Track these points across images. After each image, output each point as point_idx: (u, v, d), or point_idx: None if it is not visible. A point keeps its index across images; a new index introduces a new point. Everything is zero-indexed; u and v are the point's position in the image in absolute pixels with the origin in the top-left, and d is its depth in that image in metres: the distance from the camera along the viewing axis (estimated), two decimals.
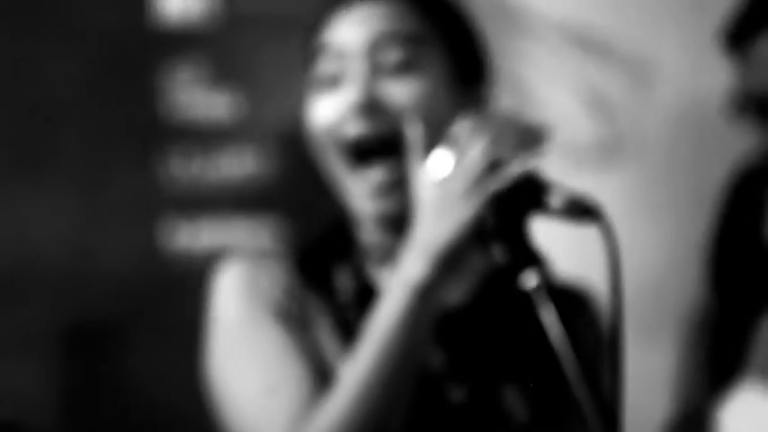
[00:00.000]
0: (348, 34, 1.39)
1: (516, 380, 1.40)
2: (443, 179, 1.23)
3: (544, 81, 2.84)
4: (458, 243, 1.21)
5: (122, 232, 2.61)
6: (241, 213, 2.68)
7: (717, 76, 2.77)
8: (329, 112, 1.39)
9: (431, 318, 1.26)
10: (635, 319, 2.73)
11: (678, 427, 2.43)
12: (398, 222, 1.39)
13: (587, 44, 2.84)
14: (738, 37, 2.26)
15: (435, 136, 1.31)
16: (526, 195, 1.20)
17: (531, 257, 1.18)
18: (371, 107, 1.36)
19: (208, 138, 2.67)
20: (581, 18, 2.84)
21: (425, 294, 1.24)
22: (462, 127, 1.25)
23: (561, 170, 2.72)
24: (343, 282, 1.43)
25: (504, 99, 2.82)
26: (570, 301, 1.49)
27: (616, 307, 1.12)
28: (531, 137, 1.24)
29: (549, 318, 1.15)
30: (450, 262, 1.23)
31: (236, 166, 2.68)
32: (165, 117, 2.66)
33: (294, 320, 1.39)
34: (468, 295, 1.43)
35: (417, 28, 1.40)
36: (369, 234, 1.45)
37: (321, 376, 1.35)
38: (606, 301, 1.54)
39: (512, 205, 1.21)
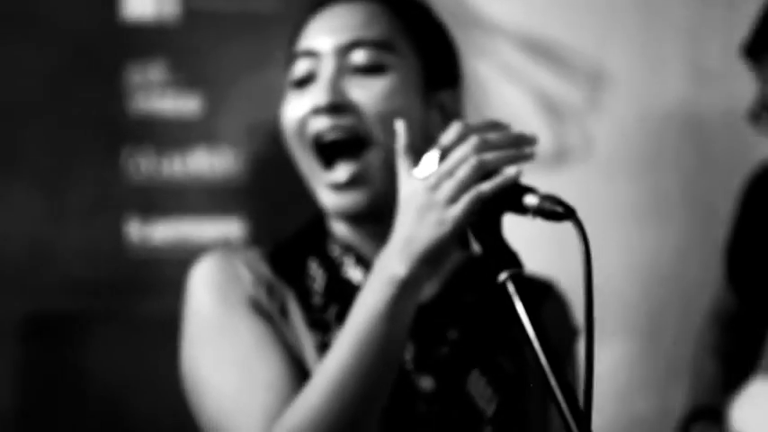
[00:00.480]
0: (319, 37, 1.43)
1: (483, 369, 1.43)
2: (430, 182, 1.23)
3: (502, 82, 2.89)
4: (440, 244, 1.22)
5: (87, 229, 2.64)
6: (207, 211, 2.71)
7: (669, 84, 2.86)
8: (297, 110, 1.42)
9: (409, 314, 1.26)
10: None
11: (692, 423, 2.49)
12: (362, 218, 1.44)
13: (540, 50, 2.91)
14: (756, 50, 2.36)
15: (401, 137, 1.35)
16: (504, 195, 1.22)
17: (506, 252, 1.20)
18: (336, 106, 1.39)
19: (174, 136, 2.70)
20: (535, 25, 2.90)
21: (405, 292, 1.24)
22: (450, 132, 1.26)
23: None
24: (316, 274, 1.46)
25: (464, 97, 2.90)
26: (537, 292, 1.54)
27: (588, 298, 1.14)
28: (516, 143, 1.25)
29: (518, 308, 1.16)
30: (431, 261, 1.23)
31: (203, 164, 2.72)
32: (131, 115, 2.69)
33: (269, 314, 1.40)
34: (440, 287, 1.48)
35: (387, 33, 1.44)
36: (339, 228, 1.49)
37: (297, 369, 1.36)
38: (569, 295, 1.61)
39: (491, 204, 1.22)
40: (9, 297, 2.57)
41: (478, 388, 1.43)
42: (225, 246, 1.51)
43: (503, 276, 1.18)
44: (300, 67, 1.43)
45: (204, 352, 1.39)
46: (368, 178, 1.41)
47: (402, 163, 1.28)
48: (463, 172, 1.22)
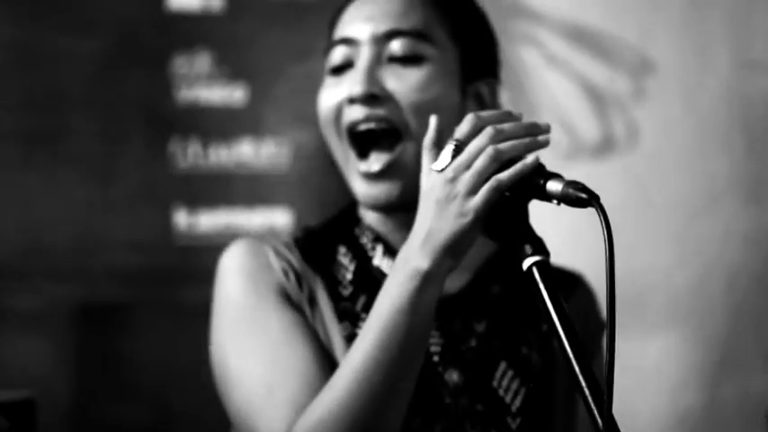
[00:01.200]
0: (356, 25, 1.42)
1: (510, 361, 1.43)
2: (448, 175, 1.23)
3: (546, 71, 2.89)
4: (461, 236, 1.21)
5: (134, 218, 2.67)
6: (253, 200, 2.73)
7: (714, 72, 2.84)
8: (333, 98, 1.42)
9: (433, 307, 1.25)
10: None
11: None
12: (393, 208, 1.44)
13: (585, 39, 2.90)
14: None
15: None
16: (528, 182, 1.22)
17: (532, 239, 1.21)
18: (371, 96, 1.39)
19: (220, 126, 2.72)
20: (579, 14, 2.89)
21: (428, 285, 1.23)
22: (468, 122, 1.25)
23: (560, 155, 2.83)
24: (345, 263, 1.46)
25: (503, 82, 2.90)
26: (565, 284, 1.53)
27: (611, 286, 1.11)
28: (530, 132, 1.24)
29: (543, 294, 1.17)
30: (453, 254, 1.23)
31: (248, 153, 2.74)
32: (178, 106, 2.72)
33: (298, 303, 1.40)
34: (468, 279, 1.48)
35: (424, 23, 1.43)
36: (369, 217, 1.49)
37: (326, 359, 1.36)
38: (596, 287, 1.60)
39: (515, 192, 1.22)
40: (60, 286, 2.61)
41: (505, 380, 1.42)
42: (254, 234, 1.49)
43: (528, 263, 1.18)
44: (337, 55, 1.43)
45: (233, 341, 1.39)
46: (401, 169, 1.40)
47: (425, 157, 1.27)
48: (480, 163, 1.21)
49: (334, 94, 1.42)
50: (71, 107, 2.65)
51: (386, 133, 1.41)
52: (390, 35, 1.42)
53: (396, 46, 1.42)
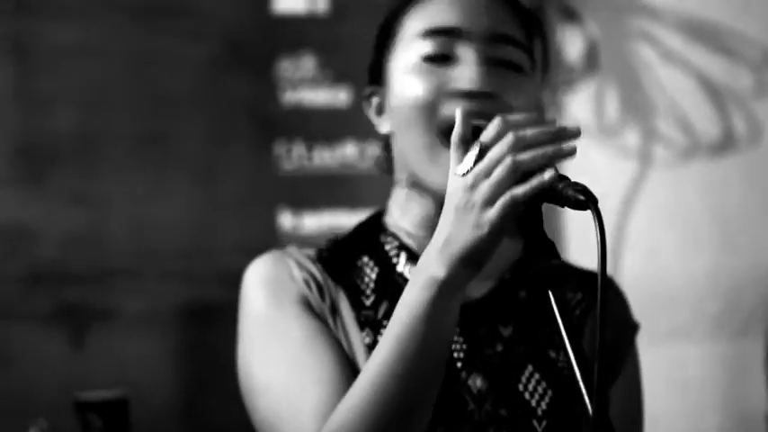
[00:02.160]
0: (465, 15, 1.38)
1: (537, 364, 1.40)
2: (468, 182, 1.19)
3: (663, 67, 2.81)
4: (478, 247, 1.17)
5: (240, 220, 2.71)
6: (357, 202, 2.74)
7: None
8: (430, 87, 1.38)
9: (454, 316, 1.23)
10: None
11: None
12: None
13: (703, 34, 2.81)
14: None
15: None
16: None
17: (543, 243, 1.18)
18: (489, 94, 1.36)
19: (324, 128, 2.74)
20: (696, 8, 2.81)
21: (447, 294, 1.20)
22: (494, 126, 1.21)
23: (677, 154, 2.74)
24: (368, 271, 1.44)
25: (615, 75, 2.84)
26: (595, 286, 1.49)
27: (602, 288, 1.08)
28: (556, 138, 1.19)
29: (566, 304, 1.15)
30: (472, 264, 1.19)
31: (353, 155, 2.75)
32: (283, 108, 2.75)
33: (320, 313, 1.39)
34: (495, 283, 1.45)
35: (525, 39, 1.42)
36: (398, 224, 1.46)
37: (348, 367, 1.35)
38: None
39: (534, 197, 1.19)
40: (167, 287, 2.66)
41: (531, 384, 1.39)
42: (279, 248, 1.48)
43: (536, 269, 1.18)
44: (438, 43, 1.39)
45: (256, 351, 1.39)
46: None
47: (452, 157, 1.23)
48: (498, 173, 1.17)
49: (432, 83, 1.38)
50: (179, 111, 2.70)
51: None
52: (505, 39, 1.39)
53: (507, 51, 1.39)
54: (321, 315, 1.40)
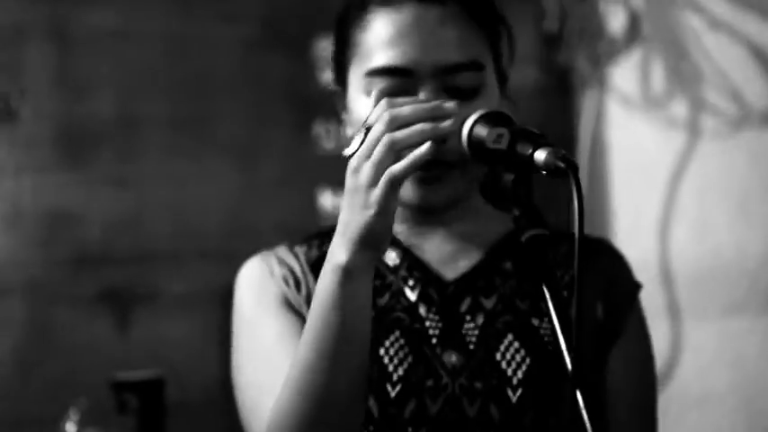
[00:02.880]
0: (414, 55, 1.35)
1: (517, 333, 1.39)
2: (353, 165, 1.22)
3: (711, 35, 2.75)
4: (371, 229, 1.19)
5: (281, 201, 2.72)
6: None
7: None
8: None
9: (363, 301, 1.24)
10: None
11: None
12: (425, 213, 1.42)
13: (754, 1, 2.73)
14: None
15: None
16: (516, 153, 1.21)
17: (532, 213, 1.20)
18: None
19: None
20: None
21: (349, 278, 1.21)
22: (377, 108, 1.22)
23: (726, 124, 2.67)
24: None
25: (660, 45, 2.77)
26: (590, 248, 1.47)
27: (579, 258, 1.09)
28: (432, 116, 1.21)
29: (540, 272, 1.16)
30: (370, 246, 1.20)
31: None
32: (321, 88, 2.75)
33: (297, 306, 1.43)
34: (481, 258, 1.44)
35: (477, 49, 1.38)
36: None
37: None
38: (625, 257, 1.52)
39: (508, 165, 1.22)
40: (209, 269, 2.69)
41: (509, 353, 1.38)
42: (267, 249, 1.51)
43: (526, 236, 1.19)
44: (389, 83, 1.37)
45: (238, 350, 1.45)
46: (451, 198, 1.38)
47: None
48: (378, 153, 1.18)
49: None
50: (217, 92, 2.72)
51: (448, 165, 1.37)
52: (455, 69, 1.37)
53: (459, 80, 1.37)
54: (299, 309, 1.42)
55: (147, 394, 2.22)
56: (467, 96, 1.37)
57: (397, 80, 1.37)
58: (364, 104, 1.38)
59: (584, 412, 1.07)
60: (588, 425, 1.06)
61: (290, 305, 1.43)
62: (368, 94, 1.37)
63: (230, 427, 2.71)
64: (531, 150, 1.19)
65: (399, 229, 1.47)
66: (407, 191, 1.38)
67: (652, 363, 1.48)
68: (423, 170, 1.31)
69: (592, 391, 1.33)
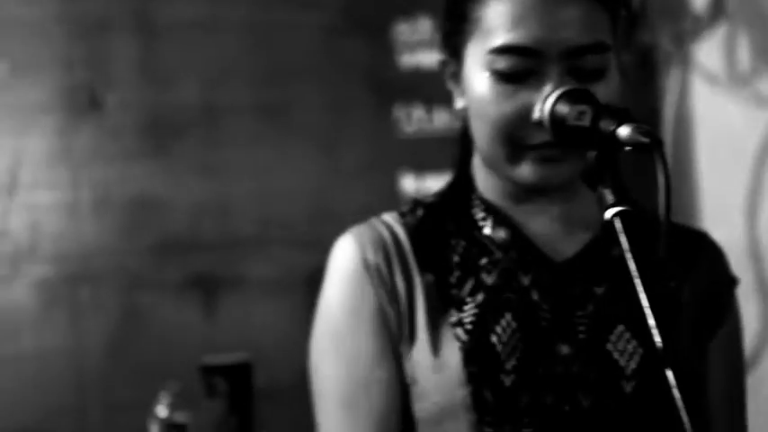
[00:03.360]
0: (542, 36, 1.31)
1: (629, 323, 1.36)
2: None
3: None
4: None
5: (362, 185, 2.73)
6: (428, 170, 2.73)
7: None
8: (506, 108, 1.32)
9: None
10: None
11: None
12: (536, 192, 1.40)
13: None
14: None
15: None
16: (600, 129, 1.20)
17: (617, 191, 1.18)
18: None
19: (443, 90, 2.71)
20: None
21: None
22: None
23: None
24: (452, 243, 1.40)
25: (745, 21, 2.72)
26: (689, 242, 1.44)
27: (665, 232, 1.10)
28: None
29: (624, 245, 1.15)
30: None
31: (423, 122, 2.74)
32: (401, 71, 2.75)
33: (390, 315, 1.38)
34: (586, 243, 1.41)
35: (602, 30, 1.36)
36: (486, 185, 1.44)
37: (398, 399, 1.37)
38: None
39: (598, 144, 1.21)
40: (293, 254, 2.71)
41: (620, 343, 1.35)
42: (363, 225, 1.46)
43: (610, 213, 1.17)
44: (514, 62, 1.35)
45: (324, 357, 1.41)
46: (566, 179, 1.36)
47: None
48: None
49: (509, 104, 1.33)
50: (298, 79, 2.74)
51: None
52: (582, 51, 1.34)
53: (585, 62, 1.34)
54: (391, 319, 1.39)
55: (235, 378, 2.25)
56: (591, 78, 1.33)
57: (522, 60, 1.33)
58: (484, 81, 1.35)
59: (676, 393, 1.06)
60: (683, 411, 1.05)
61: (384, 318, 1.38)
62: (490, 71, 1.34)
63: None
64: (614, 126, 1.18)
65: (505, 204, 1.43)
66: (526, 169, 1.35)
67: (743, 356, 1.46)
68: (545, 149, 1.31)
69: (691, 378, 1.32)
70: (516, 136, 1.32)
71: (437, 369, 1.34)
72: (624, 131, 1.17)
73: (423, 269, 1.40)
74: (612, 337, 1.35)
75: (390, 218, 1.46)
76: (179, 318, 2.66)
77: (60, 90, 2.66)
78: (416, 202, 1.47)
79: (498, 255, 1.38)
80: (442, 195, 1.46)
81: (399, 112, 2.75)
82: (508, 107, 1.32)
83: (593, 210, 1.32)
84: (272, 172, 2.72)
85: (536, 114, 1.29)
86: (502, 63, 1.32)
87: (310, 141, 2.74)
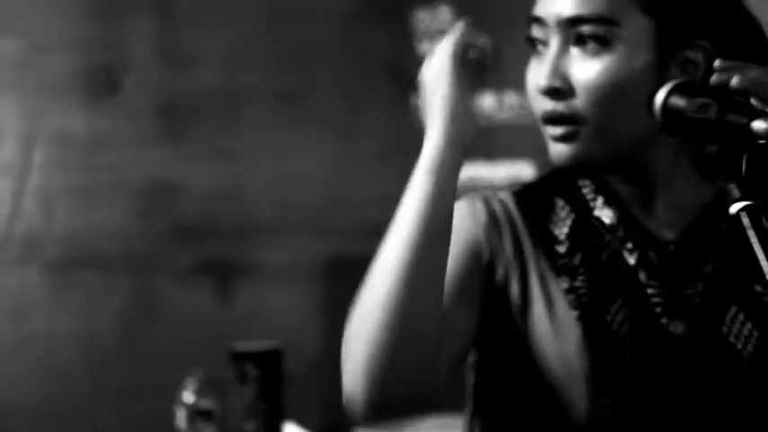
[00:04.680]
0: (546, 6, 1.37)
1: (741, 303, 1.35)
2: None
3: None
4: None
5: (379, 173, 2.71)
6: (498, 154, 2.71)
7: None
8: (531, 78, 1.37)
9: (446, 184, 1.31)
10: None
11: None
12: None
13: None
14: None
15: (626, 113, 1.31)
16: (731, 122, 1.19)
17: (742, 185, 1.17)
18: (555, 90, 1.34)
19: None
20: None
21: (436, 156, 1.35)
22: None
23: None
24: (562, 216, 1.42)
25: None
26: None
27: None
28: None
29: (752, 240, 1.13)
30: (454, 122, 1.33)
31: (493, 106, 2.72)
32: (419, 60, 2.73)
33: (489, 256, 1.38)
34: (690, 221, 1.41)
35: (610, 5, 1.37)
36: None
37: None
38: None
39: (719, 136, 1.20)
40: (310, 241, 2.69)
41: (735, 325, 1.34)
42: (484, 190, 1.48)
43: (736, 207, 1.16)
44: (534, 31, 1.39)
45: None
46: (585, 157, 1.36)
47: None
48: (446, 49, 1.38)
49: (533, 74, 1.38)
50: (316, 65, 2.72)
51: (568, 126, 1.36)
52: (575, 21, 1.36)
53: (580, 31, 1.36)
54: (488, 259, 1.38)
55: (266, 364, 2.24)
56: (594, 49, 1.35)
57: (537, 29, 1.37)
58: (528, 69, 1.40)
59: None
60: None
61: (477, 253, 1.38)
62: (527, 40, 1.39)
63: (331, 399, 2.72)
64: (746, 120, 1.16)
65: (611, 183, 1.43)
66: (549, 147, 1.36)
67: None
68: (550, 125, 1.32)
69: None
70: (537, 108, 1.35)
71: (555, 337, 1.33)
72: (761, 125, 1.15)
73: (533, 239, 1.40)
74: (727, 320, 1.34)
75: (501, 193, 1.47)
76: (192, 304, 2.63)
77: (78, 71, 2.63)
78: (526, 183, 1.49)
79: (607, 237, 1.38)
80: (552, 174, 1.47)
81: (417, 101, 2.74)
82: (533, 76, 1.36)
83: (694, 193, 1.33)
84: (289, 158, 2.70)
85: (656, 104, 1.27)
86: (528, 33, 1.36)
87: (328, 128, 2.73)
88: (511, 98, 2.69)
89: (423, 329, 1.24)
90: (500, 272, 1.39)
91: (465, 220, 1.39)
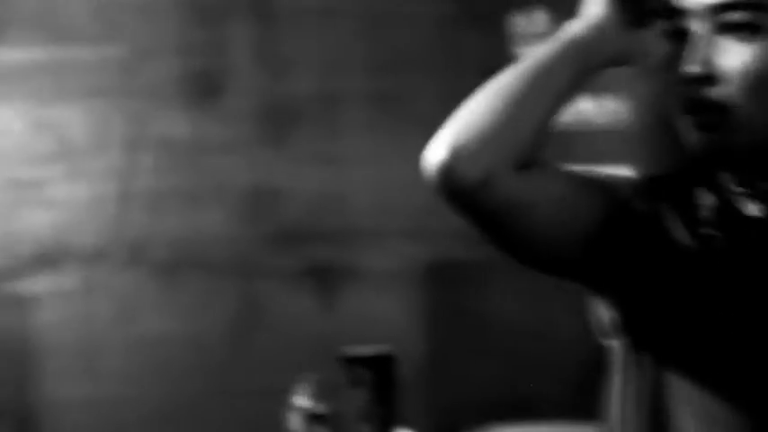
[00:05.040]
0: None
1: None
2: None
3: None
4: None
5: None
6: (597, 158, 2.71)
7: None
8: (673, 68, 1.33)
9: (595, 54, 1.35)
10: None
11: None
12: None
13: None
14: None
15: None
16: None
17: None
18: (706, 77, 1.34)
19: None
20: None
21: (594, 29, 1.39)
22: None
23: None
24: (704, 202, 1.43)
25: None
26: None
27: None
28: None
29: None
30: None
31: (591, 111, 2.74)
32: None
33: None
34: None
35: None
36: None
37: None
38: None
39: None
40: (410, 245, 2.71)
41: None
42: None
43: None
44: (677, 22, 1.39)
45: None
46: (730, 146, 1.37)
47: None
48: None
49: (673, 64, 1.38)
50: (413, 69, 2.74)
51: (716, 116, 1.36)
52: (725, 8, 1.36)
53: (729, 18, 1.36)
54: (626, 198, 1.38)
55: (379, 369, 2.27)
56: (743, 35, 1.35)
57: (677, 20, 1.38)
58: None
59: None
60: None
61: (619, 184, 1.39)
62: (664, 33, 1.40)
63: (436, 403, 2.75)
64: None
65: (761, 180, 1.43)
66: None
67: None
68: (694, 113, 1.31)
69: None
70: (679, 97, 1.34)
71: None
72: None
73: (673, 220, 1.40)
74: None
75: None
76: (295, 307, 2.66)
77: (180, 76, 2.66)
78: (656, 176, 1.49)
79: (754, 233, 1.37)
80: (689, 165, 1.48)
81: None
82: (671, 66, 1.36)
83: None
84: (388, 161, 2.72)
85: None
86: (666, 26, 1.37)
87: (425, 131, 2.72)
88: (609, 103, 2.71)
89: (521, 134, 1.31)
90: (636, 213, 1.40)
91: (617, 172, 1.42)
